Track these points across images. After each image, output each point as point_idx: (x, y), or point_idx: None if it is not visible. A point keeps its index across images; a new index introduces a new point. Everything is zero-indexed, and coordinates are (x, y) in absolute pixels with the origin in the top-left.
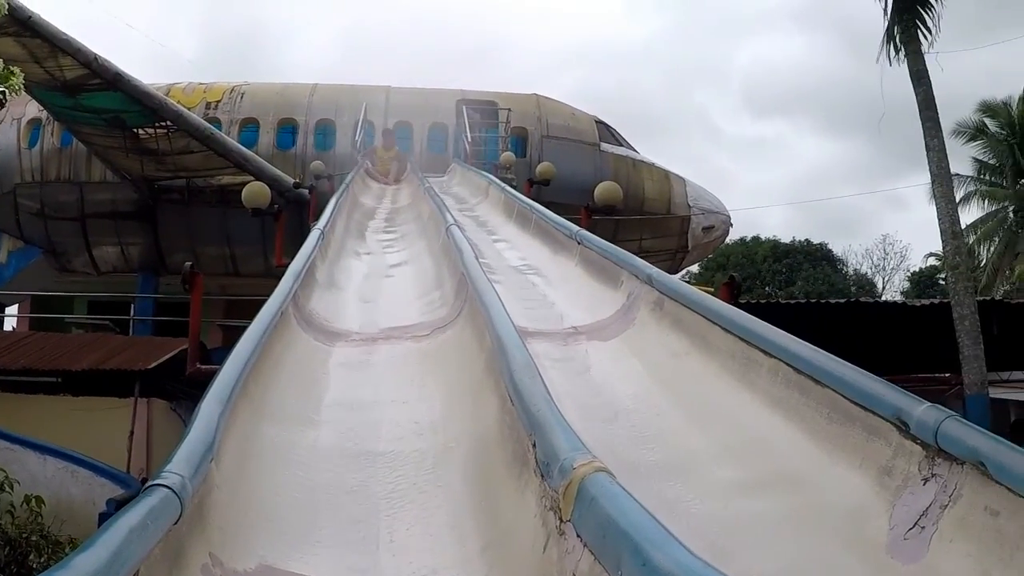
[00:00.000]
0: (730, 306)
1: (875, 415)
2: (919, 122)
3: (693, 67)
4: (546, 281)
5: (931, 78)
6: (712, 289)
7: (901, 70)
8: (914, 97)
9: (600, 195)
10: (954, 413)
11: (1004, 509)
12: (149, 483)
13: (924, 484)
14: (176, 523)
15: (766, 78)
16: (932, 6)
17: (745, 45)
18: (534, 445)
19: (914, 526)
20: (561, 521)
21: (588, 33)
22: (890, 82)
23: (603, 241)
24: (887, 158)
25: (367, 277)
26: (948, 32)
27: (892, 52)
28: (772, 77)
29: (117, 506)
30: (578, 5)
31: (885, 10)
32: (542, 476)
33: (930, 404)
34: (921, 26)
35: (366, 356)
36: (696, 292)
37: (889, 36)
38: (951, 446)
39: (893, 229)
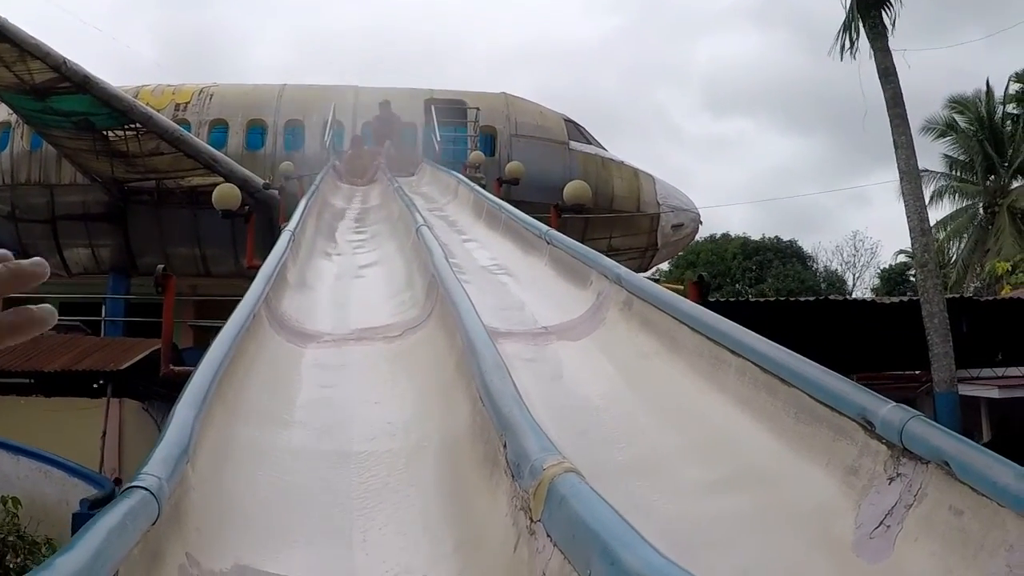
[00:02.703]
0: (698, 306)
1: (841, 415)
2: (882, 118)
3: (651, 66)
4: (516, 281)
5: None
6: (682, 287)
7: (863, 67)
8: (876, 94)
9: (569, 194)
10: (919, 413)
11: (967, 508)
12: (127, 485)
13: (890, 483)
14: (154, 524)
15: (725, 76)
16: (891, 5)
17: (703, 44)
18: (504, 446)
19: (880, 525)
20: (531, 521)
21: (543, 32)
22: (851, 79)
23: (572, 241)
24: (850, 154)
25: (338, 278)
26: (908, 29)
27: (848, 45)
28: (731, 75)
29: (91, 506)
30: (532, 3)
31: (846, 6)
32: (513, 476)
33: (895, 404)
34: (883, 23)
35: (338, 357)
36: (665, 292)
37: (846, 29)
38: (916, 446)
39: (860, 225)
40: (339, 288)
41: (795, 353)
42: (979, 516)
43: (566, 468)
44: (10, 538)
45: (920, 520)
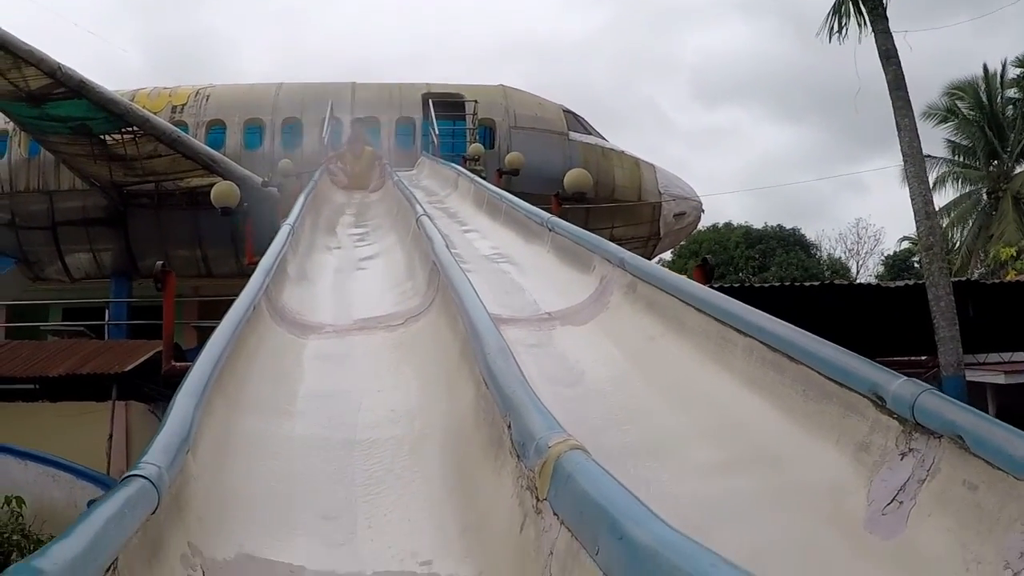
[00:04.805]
0: (703, 286)
1: (851, 391)
2: (875, 105)
3: (640, 59)
4: (518, 269)
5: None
6: (685, 277)
7: (858, 50)
8: (872, 79)
9: (570, 182)
10: (931, 387)
11: (982, 483)
12: (126, 474)
13: (902, 459)
14: (153, 513)
15: (714, 66)
16: None
17: (690, 36)
18: (509, 426)
19: (892, 501)
20: (538, 500)
21: (530, 27)
22: (841, 65)
23: (574, 227)
24: (844, 141)
25: (339, 270)
26: (899, 15)
27: (837, 28)
28: (720, 65)
29: None
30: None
31: None
32: (518, 457)
33: (906, 378)
34: (883, 4)
35: (340, 347)
36: (669, 274)
37: (836, 12)
38: (928, 420)
39: (860, 213)
40: (340, 280)
41: (802, 330)
42: (994, 490)
43: (572, 445)
44: (14, 537)
45: (933, 495)
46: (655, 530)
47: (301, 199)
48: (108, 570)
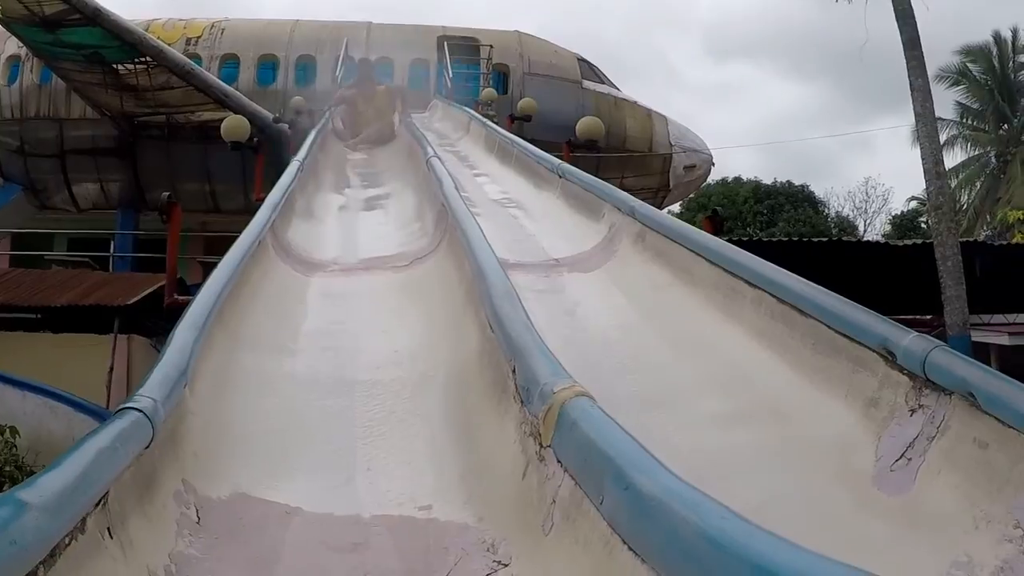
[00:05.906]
0: (713, 237)
1: (861, 345)
2: (884, 65)
3: (652, 13)
4: (527, 214)
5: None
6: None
7: (871, 10)
8: (883, 39)
9: (582, 130)
10: (942, 343)
11: (993, 440)
12: (120, 406)
13: (911, 415)
14: (147, 447)
15: (727, 23)
16: None
17: None
18: (514, 371)
19: (900, 458)
20: (541, 447)
21: None
22: (854, 24)
23: (585, 174)
24: (854, 102)
25: (346, 209)
26: None
27: None
28: (733, 22)
29: None
30: None
31: None
32: (522, 402)
33: (917, 334)
34: None
35: (345, 286)
36: (679, 224)
37: None
38: (939, 376)
39: (868, 173)
40: (347, 219)
41: (812, 283)
42: (1005, 449)
43: (577, 392)
44: (7, 468)
45: (943, 453)
46: (662, 480)
47: (312, 136)
48: (98, 504)
